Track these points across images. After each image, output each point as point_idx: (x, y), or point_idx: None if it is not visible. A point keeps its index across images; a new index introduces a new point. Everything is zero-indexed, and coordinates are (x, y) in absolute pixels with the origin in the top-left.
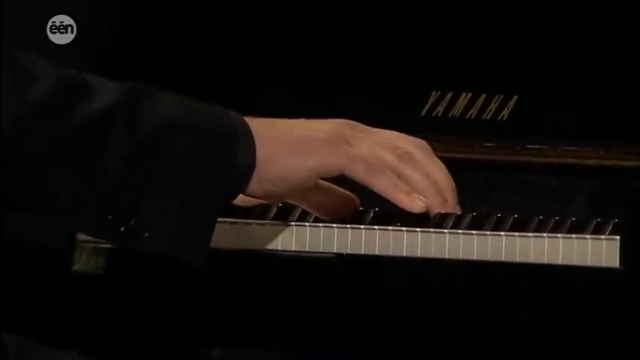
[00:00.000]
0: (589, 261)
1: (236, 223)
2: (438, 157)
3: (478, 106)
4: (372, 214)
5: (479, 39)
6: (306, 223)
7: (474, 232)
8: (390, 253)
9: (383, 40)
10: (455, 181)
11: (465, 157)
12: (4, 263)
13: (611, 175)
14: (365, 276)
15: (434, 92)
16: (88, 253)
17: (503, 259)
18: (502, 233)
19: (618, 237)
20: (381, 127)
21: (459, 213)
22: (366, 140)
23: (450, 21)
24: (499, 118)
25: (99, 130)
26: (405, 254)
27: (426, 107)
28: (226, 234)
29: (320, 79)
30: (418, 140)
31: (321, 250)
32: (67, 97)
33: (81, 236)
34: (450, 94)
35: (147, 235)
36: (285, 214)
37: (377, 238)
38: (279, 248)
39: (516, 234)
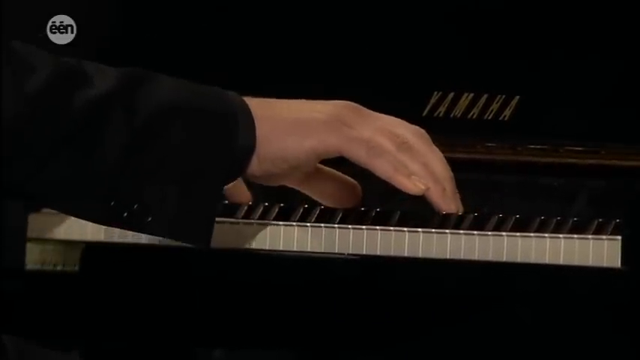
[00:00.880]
0: (590, 261)
1: (237, 223)
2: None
3: (480, 107)
4: (373, 214)
5: (481, 39)
6: (308, 224)
7: (475, 232)
8: (392, 253)
9: (384, 40)
10: (456, 181)
11: (467, 158)
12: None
13: (612, 175)
14: (367, 276)
15: (435, 92)
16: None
17: (504, 259)
18: (504, 233)
19: (620, 237)
20: None
21: (460, 208)
22: (366, 124)
23: (451, 21)
24: (501, 118)
25: (97, 118)
26: (406, 254)
27: (428, 107)
28: (227, 234)
29: (321, 78)
30: (417, 128)
31: (323, 251)
32: (65, 87)
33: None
34: (451, 95)
35: (150, 219)
36: (286, 214)
37: (378, 239)
38: (281, 248)
39: (518, 234)
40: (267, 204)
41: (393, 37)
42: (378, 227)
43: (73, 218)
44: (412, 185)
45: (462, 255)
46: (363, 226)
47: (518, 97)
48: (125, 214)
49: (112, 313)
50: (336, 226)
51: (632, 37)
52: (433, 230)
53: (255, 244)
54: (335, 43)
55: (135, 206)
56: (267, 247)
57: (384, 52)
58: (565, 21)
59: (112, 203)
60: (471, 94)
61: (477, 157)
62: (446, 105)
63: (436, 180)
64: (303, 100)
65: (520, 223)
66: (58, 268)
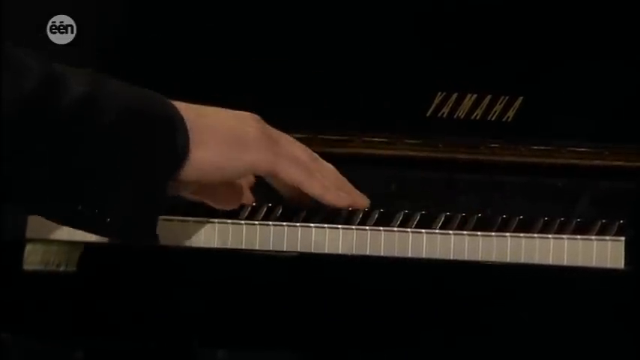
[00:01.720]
0: (594, 262)
1: (240, 224)
2: (443, 158)
3: (483, 107)
4: (377, 215)
5: (484, 40)
6: (312, 225)
7: (479, 233)
8: (396, 254)
9: (388, 41)
10: (459, 182)
11: (470, 159)
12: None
13: (616, 176)
14: (370, 277)
15: (439, 93)
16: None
17: (508, 260)
18: (507, 234)
19: (623, 238)
20: (387, 128)
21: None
22: (283, 140)
23: (455, 22)
24: (504, 119)
25: (74, 121)
26: (410, 255)
27: (431, 108)
28: (231, 235)
29: (323, 79)
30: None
31: (327, 252)
32: (51, 90)
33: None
34: (455, 95)
35: (108, 220)
36: (289, 215)
37: (382, 240)
38: (285, 249)
39: (521, 235)
40: (270, 205)
41: (396, 38)
42: (381, 228)
43: None
44: (341, 201)
45: (466, 256)
46: (367, 227)
47: (521, 98)
48: (90, 217)
49: (111, 312)
50: (339, 227)
51: (633, 39)
52: (437, 231)
53: (258, 245)
54: (338, 44)
55: (96, 209)
56: (270, 248)
57: (387, 52)
58: (568, 22)
59: (80, 207)
60: (475, 95)
61: (480, 157)
62: (449, 106)
63: (343, 187)
64: (222, 109)
65: (524, 223)
66: (61, 268)
